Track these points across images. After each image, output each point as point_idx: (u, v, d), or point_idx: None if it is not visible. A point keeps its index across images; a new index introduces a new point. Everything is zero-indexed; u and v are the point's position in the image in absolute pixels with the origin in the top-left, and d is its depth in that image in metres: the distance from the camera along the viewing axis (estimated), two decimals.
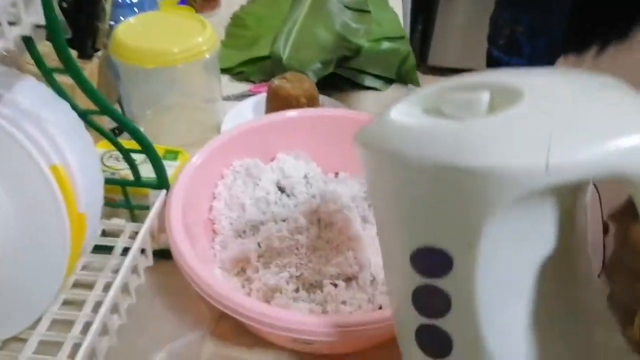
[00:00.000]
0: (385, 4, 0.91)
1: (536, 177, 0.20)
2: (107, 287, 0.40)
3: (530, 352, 0.24)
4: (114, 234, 0.46)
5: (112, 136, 0.39)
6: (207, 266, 0.38)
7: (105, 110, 0.36)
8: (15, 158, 0.32)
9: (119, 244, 0.43)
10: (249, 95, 0.71)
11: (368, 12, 0.85)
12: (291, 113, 0.50)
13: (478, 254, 0.23)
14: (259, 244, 0.44)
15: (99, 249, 0.43)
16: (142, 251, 0.42)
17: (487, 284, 0.23)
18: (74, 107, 0.36)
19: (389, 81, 0.76)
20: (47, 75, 0.35)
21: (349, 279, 0.44)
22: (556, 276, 0.24)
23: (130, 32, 0.56)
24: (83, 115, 0.37)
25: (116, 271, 0.41)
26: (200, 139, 0.64)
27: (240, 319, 0.33)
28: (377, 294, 0.43)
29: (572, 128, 0.21)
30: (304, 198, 0.49)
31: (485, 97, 0.23)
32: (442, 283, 0.25)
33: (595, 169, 0.20)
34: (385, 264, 0.30)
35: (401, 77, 0.77)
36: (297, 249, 0.44)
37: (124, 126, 0.37)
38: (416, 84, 0.78)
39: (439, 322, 0.26)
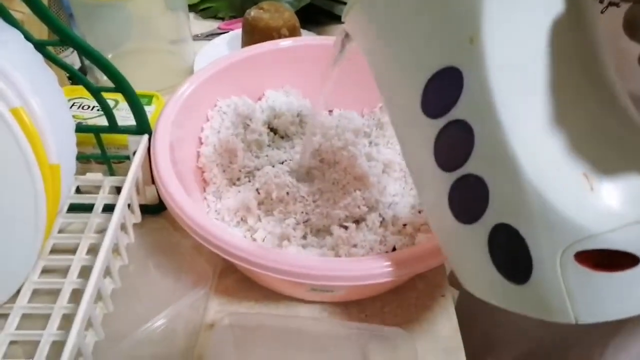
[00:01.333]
0: None
1: None
2: (91, 250, 0.35)
3: (557, 154, 0.22)
4: (90, 191, 0.41)
5: (77, 72, 0.32)
6: (204, 215, 0.34)
7: (67, 38, 0.30)
8: None
9: (99, 200, 0.37)
10: (220, 34, 0.64)
11: None
12: (284, 42, 0.45)
13: (485, 44, 0.21)
14: (257, 191, 0.40)
15: (74, 209, 0.38)
16: (128, 207, 0.37)
17: (502, 83, 0.22)
18: (29, 37, 0.30)
19: None
20: None
21: (357, 221, 0.40)
22: (571, 55, 0.22)
23: None
24: (40, 47, 0.30)
25: (99, 231, 0.36)
26: (169, 85, 0.57)
27: (254, 269, 0.30)
28: (388, 235, 0.40)
29: None
30: (299, 139, 0.45)
31: None
32: (458, 112, 0.23)
33: None
34: (403, 139, 0.28)
35: None
36: (300, 193, 0.40)
37: (92, 58, 0.31)
38: None
39: (469, 168, 0.23)
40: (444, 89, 0.23)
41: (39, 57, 0.30)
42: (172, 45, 0.58)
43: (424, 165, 0.25)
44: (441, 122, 0.24)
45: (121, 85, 0.33)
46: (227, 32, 0.64)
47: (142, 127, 0.36)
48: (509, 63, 0.22)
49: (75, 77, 0.32)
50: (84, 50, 0.30)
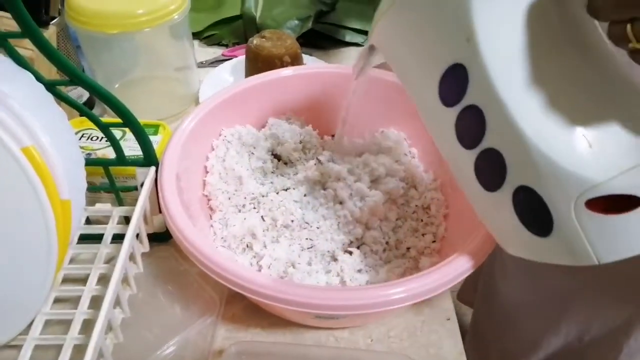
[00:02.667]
0: None
1: None
2: (101, 280, 0.36)
3: (556, 120, 0.25)
4: (99, 221, 0.41)
5: (86, 109, 0.33)
6: (211, 245, 0.34)
7: (76, 78, 0.31)
8: None
9: (109, 230, 0.38)
10: (224, 60, 0.66)
11: None
12: (285, 72, 0.46)
13: (479, 41, 0.25)
14: (262, 218, 0.41)
15: (84, 239, 0.39)
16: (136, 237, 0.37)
17: (497, 69, 0.25)
18: (39, 78, 0.31)
19: None
20: (1, 41, 0.30)
21: (361, 245, 0.41)
22: (554, 30, 0.26)
23: None
24: (50, 87, 0.32)
25: (109, 261, 0.37)
26: (176, 112, 0.59)
27: (262, 300, 0.30)
28: (392, 259, 0.40)
29: None
30: (302, 165, 0.46)
31: None
32: (468, 99, 0.27)
33: None
34: (430, 127, 0.32)
35: None
36: (305, 219, 0.41)
37: (101, 96, 0.32)
38: None
39: (486, 143, 0.27)
40: (454, 82, 0.27)
41: (49, 96, 0.31)
42: (177, 72, 0.60)
43: (452, 148, 0.29)
44: (457, 109, 0.28)
45: (129, 122, 0.34)
46: (231, 58, 0.66)
47: (149, 159, 0.37)
48: (500, 51, 0.26)
49: (84, 114, 0.33)
50: (94, 89, 0.31)
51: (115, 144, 0.35)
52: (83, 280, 0.37)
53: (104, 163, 0.37)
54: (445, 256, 0.41)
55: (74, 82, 0.32)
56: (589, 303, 0.43)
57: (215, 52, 0.69)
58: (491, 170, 0.27)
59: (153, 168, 0.37)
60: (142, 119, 0.37)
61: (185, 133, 0.40)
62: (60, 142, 0.31)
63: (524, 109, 0.25)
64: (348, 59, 0.69)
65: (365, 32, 0.72)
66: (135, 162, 0.38)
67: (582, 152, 0.25)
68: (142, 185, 0.38)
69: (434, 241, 0.42)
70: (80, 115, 0.48)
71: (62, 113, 0.32)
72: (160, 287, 0.40)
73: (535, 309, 0.49)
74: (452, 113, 0.28)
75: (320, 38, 0.70)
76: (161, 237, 0.42)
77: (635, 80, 0.26)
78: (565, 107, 0.25)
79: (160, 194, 0.35)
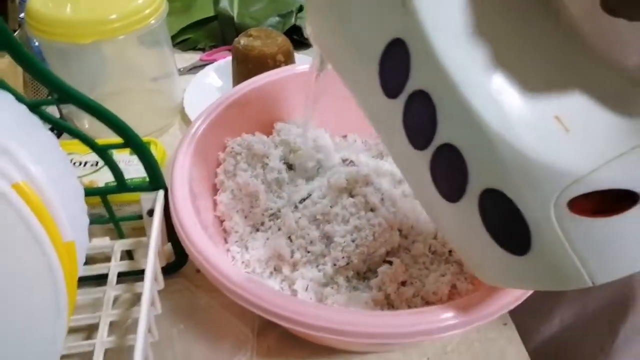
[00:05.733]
0: None
1: None
2: (114, 329, 0.31)
3: (521, 100, 0.20)
4: (93, 259, 0.36)
5: (83, 134, 0.28)
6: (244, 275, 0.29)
7: (67, 96, 0.25)
8: None
9: (113, 269, 0.33)
10: (203, 65, 0.60)
11: None
12: (291, 69, 0.41)
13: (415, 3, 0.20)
14: (289, 237, 0.36)
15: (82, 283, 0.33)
16: None
17: (443, 42, 0.20)
18: (20, 98, 0.26)
19: None
20: None
21: (402, 252, 0.37)
22: None
23: (49, 2, 0.44)
24: (35, 107, 0.26)
25: (119, 307, 0.32)
26: (160, 127, 0.53)
27: (318, 334, 0.26)
28: (435, 265, 0.36)
29: None
30: (319, 174, 0.41)
31: None
32: (413, 84, 0.21)
33: None
34: (377, 127, 0.26)
35: None
36: (336, 234, 0.36)
37: (98, 114, 0.27)
38: None
39: (440, 138, 0.21)
40: (395, 64, 0.22)
41: (34, 119, 0.26)
42: (157, 82, 0.54)
43: (403, 151, 0.23)
44: (402, 99, 0.22)
45: (132, 141, 0.28)
46: (210, 63, 0.60)
47: (157, 182, 0.31)
48: (443, 14, 0.20)
49: (80, 138, 0.28)
50: (89, 107, 0.26)
51: (115, 168, 0.30)
52: (85, 330, 0.31)
53: (103, 192, 0.32)
54: None
55: (62, 101, 0.26)
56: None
57: (192, 57, 0.63)
58: (450, 173, 0.22)
59: (162, 192, 0.32)
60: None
61: (191, 147, 0.34)
62: (55, 173, 0.25)
63: (481, 88, 0.20)
64: None
65: None
66: (138, 187, 0.32)
67: (558, 139, 0.19)
68: (148, 212, 0.33)
69: None
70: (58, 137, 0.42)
71: (52, 138, 0.26)
72: (180, 326, 0.35)
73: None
74: (398, 105, 0.22)
75: (301, 34, 0.66)
76: (170, 269, 0.37)
77: (613, 56, 0.21)
78: (532, 85, 0.20)
79: (175, 219, 0.30)
